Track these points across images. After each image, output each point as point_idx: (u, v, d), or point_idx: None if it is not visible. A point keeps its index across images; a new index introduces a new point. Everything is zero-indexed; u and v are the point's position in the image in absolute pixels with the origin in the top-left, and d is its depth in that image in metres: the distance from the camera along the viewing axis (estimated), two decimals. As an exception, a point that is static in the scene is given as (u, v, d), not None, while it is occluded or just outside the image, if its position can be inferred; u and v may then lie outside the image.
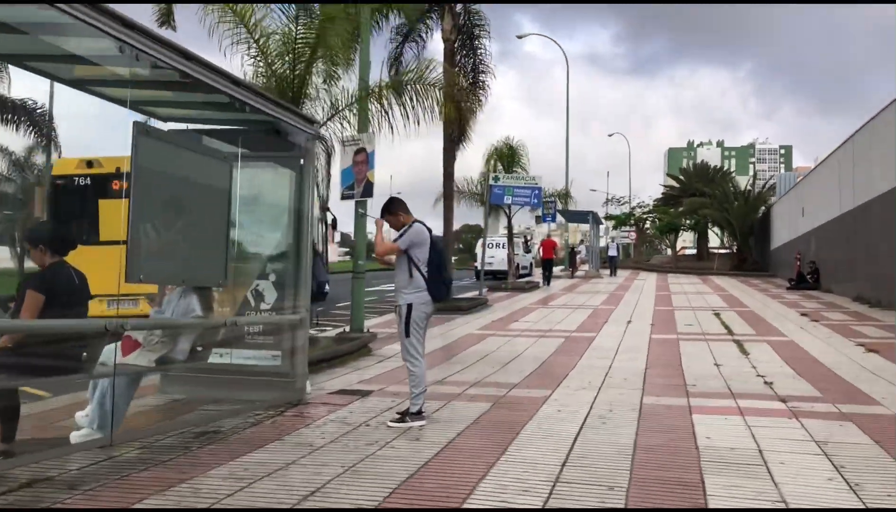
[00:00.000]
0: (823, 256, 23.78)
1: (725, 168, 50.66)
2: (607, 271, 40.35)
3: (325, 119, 10.52)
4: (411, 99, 11.26)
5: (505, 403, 6.95)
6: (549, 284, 28.47)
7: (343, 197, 12.56)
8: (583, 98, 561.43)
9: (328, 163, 12.48)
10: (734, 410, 6.59)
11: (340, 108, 10.59)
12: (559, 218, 36.59)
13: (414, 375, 6.06)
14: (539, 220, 35.44)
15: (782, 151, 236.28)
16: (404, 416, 6.02)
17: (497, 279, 34.22)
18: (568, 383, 8.02)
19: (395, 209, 6.28)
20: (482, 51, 19.47)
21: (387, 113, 11.01)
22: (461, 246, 54.50)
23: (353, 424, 6.02)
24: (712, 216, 37.60)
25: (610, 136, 77.77)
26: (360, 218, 12.39)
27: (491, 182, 22.52)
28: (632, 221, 49.90)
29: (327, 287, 12.43)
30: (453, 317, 15.67)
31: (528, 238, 42.78)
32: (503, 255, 35.28)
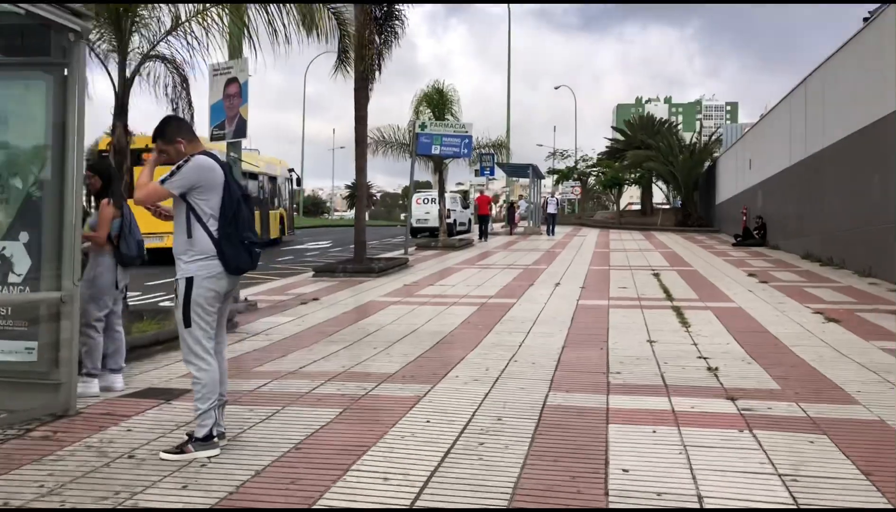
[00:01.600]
0: (771, 210, 22.43)
1: (672, 121, 49.29)
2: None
3: (162, 34, 8.31)
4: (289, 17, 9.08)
5: (358, 409, 5.08)
6: (485, 239, 27.10)
7: (212, 137, 10.45)
8: (533, 54, 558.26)
9: (185, 88, 10.30)
10: (667, 417, 4.83)
11: (183, 19, 8.36)
12: (498, 172, 34.70)
13: (199, 383, 4.08)
14: (477, 173, 33.55)
15: (728, 108, 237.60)
16: (187, 442, 4.09)
17: (434, 237, 32.51)
18: (458, 372, 6.19)
19: (171, 134, 4.20)
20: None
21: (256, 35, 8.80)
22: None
23: (111, 456, 4.08)
24: (657, 170, 36.15)
25: (556, 88, 76.47)
26: (233, 164, 10.31)
27: (417, 130, 20.49)
28: (575, 176, 48.19)
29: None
30: (362, 280, 13.77)
31: (467, 194, 40.88)
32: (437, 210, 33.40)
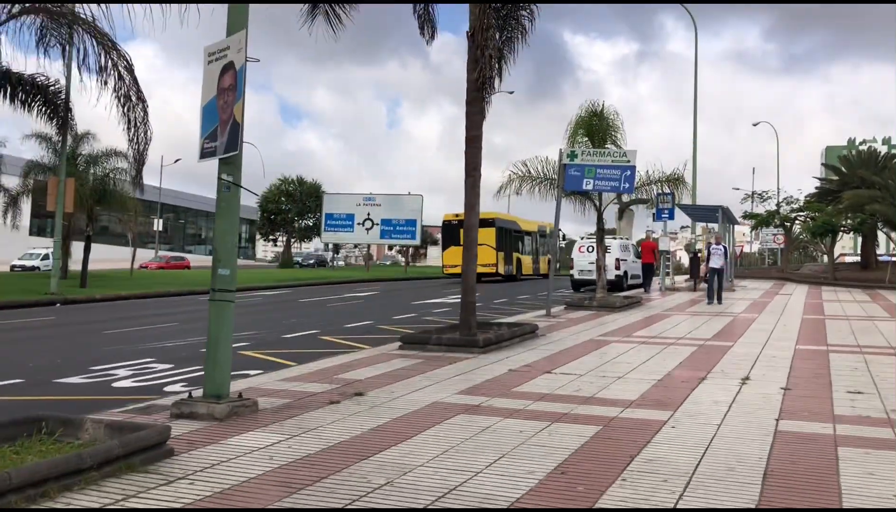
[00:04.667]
0: None
1: (899, 155, 41.25)
2: (745, 283, 32.85)
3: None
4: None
5: None
6: (648, 291, 25.74)
7: (203, 154, 7.07)
8: (729, 98, 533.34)
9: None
10: None
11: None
12: (679, 215, 29.53)
13: None
14: (654, 217, 28.63)
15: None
16: None
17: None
18: None
19: None
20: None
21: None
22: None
23: None
24: (884, 213, 29.25)
25: (755, 125, 68.53)
26: (223, 192, 6.85)
27: (565, 160, 16.39)
28: (777, 221, 41.24)
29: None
30: (457, 357, 9.84)
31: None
32: (607, 260, 28.78)
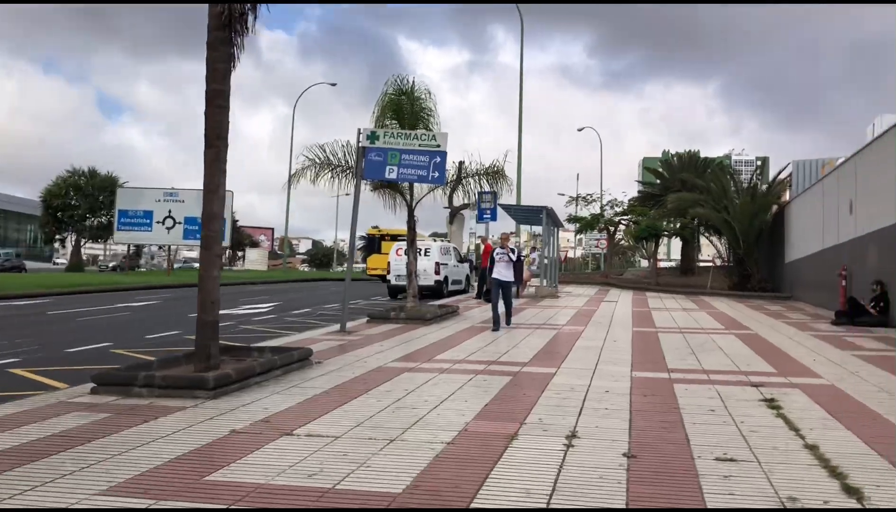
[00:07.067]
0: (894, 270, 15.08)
1: (725, 160, 41.96)
2: (569, 288, 31.57)
3: None
4: None
5: None
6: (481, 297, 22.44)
7: None
8: (556, 109, 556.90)
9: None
10: None
11: None
12: (502, 215, 27.52)
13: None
14: (476, 218, 26.49)
15: (759, 163, 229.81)
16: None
17: (422, 296, 25.55)
18: None
19: None
20: None
21: None
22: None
23: None
24: (708, 217, 28.75)
25: (580, 130, 69.48)
26: None
27: (364, 143, 13.50)
28: (601, 225, 40.67)
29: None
30: (173, 408, 6.63)
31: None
32: (425, 264, 26.33)
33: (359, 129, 13.59)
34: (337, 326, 13.83)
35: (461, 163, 18.23)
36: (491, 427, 6.06)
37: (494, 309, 14.11)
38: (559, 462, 5.00)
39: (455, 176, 18.01)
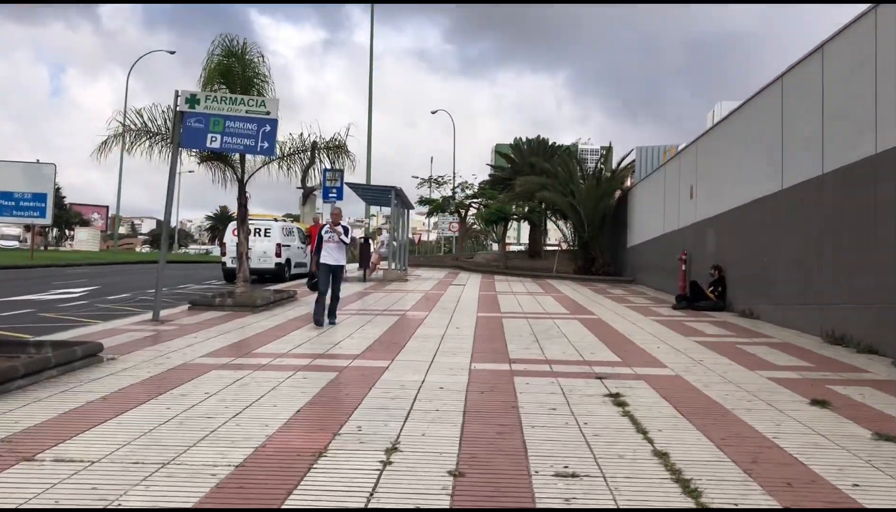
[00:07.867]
0: (733, 258, 15.29)
1: (572, 146, 42.60)
2: (419, 272, 30.91)
3: None
4: None
5: None
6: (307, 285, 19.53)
7: None
8: (411, 93, 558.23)
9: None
10: None
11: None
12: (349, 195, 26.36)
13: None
14: (323, 197, 25.18)
15: (603, 152, 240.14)
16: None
17: (264, 280, 24.16)
18: None
19: None
20: None
21: None
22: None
23: None
24: (554, 201, 28.83)
25: (434, 113, 69.20)
26: None
27: (183, 107, 11.96)
28: (452, 208, 40.30)
29: None
30: None
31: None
32: (266, 246, 24.81)
33: (176, 92, 12.02)
34: (145, 316, 12.28)
35: (315, 142, 16.82)
36: (297, 440, 5.01)
37: (320, 299, 11.79)
38: (370, 489, 4.03)
39: (309, 155, 16.57)
